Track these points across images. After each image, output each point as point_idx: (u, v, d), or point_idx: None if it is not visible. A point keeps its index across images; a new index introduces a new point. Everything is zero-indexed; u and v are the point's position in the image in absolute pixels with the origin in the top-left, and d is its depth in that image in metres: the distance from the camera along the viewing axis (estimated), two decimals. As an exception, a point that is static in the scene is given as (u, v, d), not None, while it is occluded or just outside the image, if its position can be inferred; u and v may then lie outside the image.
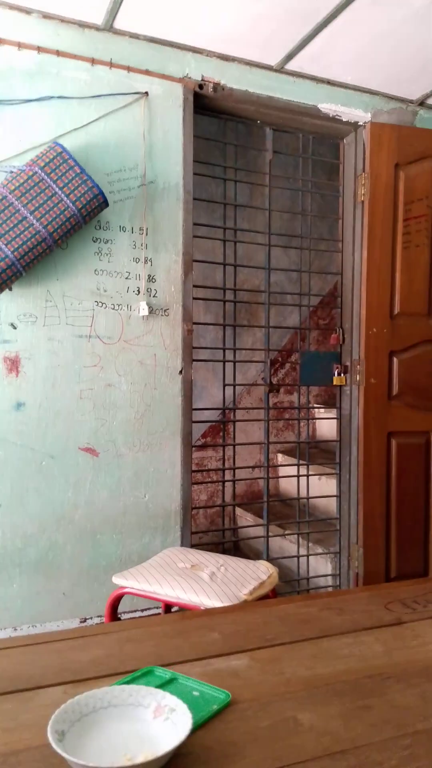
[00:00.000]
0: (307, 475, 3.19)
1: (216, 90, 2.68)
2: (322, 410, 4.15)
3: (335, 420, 3.21)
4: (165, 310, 2.60)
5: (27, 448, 2.39)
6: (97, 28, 2.45)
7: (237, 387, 3.80)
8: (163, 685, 1.09)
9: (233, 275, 3.05)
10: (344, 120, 2.96)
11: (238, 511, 3.91)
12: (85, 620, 2.48)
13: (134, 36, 2.51)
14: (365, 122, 2.97)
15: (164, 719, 0.95)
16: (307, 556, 3.14)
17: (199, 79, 2.64)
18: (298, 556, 3.13)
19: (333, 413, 3.39)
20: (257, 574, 1.99)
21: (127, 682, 1.10)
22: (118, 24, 2.43)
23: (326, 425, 4.09)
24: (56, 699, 1.05)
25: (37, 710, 1.02)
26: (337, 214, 3.15)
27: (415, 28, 2.46)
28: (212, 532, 3.61)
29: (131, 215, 2.52)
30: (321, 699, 1.05)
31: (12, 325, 2.35)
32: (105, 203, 2.32)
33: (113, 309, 2.51)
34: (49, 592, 2.43)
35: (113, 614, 1.99)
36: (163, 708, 0.97)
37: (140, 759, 0.83)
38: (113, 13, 2.35)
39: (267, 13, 2.36)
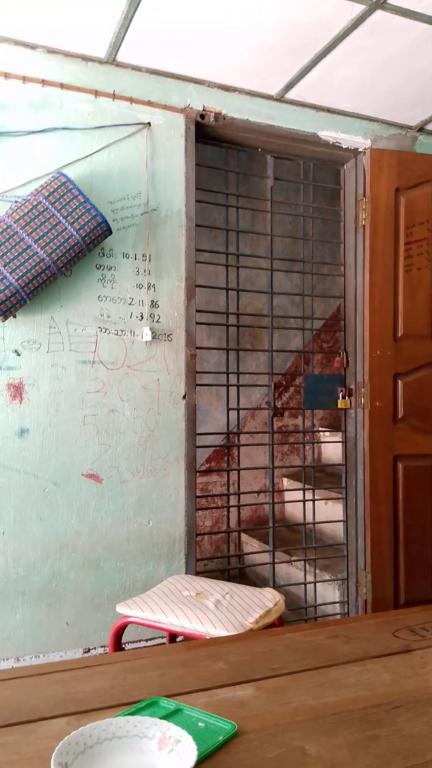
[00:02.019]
0: (313, 500, 3.17)
1: (217, 119, 2.73)
2: (327, 434, 4.13)
3: (341, 443, 3.20)
4: (168, 335, 2.61)
5: (30, 474, 2.38)
6: (100, 61, 2.50)
7: (241, 411, 3.79)
8: (168, 716, 1.07)
9: (236, 299, 3.07)
10: (344, 147, 3.00)
11: (244, 537, 3.88)
12: (88, 650, 2.45)
13: (136, 68, 2.56)
14: (365, 148, 3.01)
15: (169, 751, 0.93)
16: (315, 582, 3.10)
17: (201, 109, 2.69)
18: (305, 583, 3.09)
19: (338, 437, 3.37)
20: (263, 602, 1.96)
21: (132, 713, 1.08)
22: (121, 57, 2.48)
23: (332, 449, 4.07)
24: (60, 731, 1.03)
25: (41, 742, 1.01)
26: (339, 239, 3.18)
27: (412, 57, 2.51)
28: (218, 559, 3.57)
29: (134, 242, 2.55)
30: (328, 729, 1.03)
31: (16, 351, 2.37)
32: (108, 231, 2.35)
33: (116, 335, 2.52)
34: (53, 622, 2.40)
35: (117, 644, 1.97)
36: (167, 739, 0.95)
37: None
38: (116, 46, 2.40)
39: (266, 44, 2.41)
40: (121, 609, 1.93)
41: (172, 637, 2.24)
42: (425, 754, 0.95)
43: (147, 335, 2.54)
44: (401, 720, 1.06)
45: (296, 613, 3.12)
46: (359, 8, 2.19)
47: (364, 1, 2.15)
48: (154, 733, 0.96)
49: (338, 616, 3.07)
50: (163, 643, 2.36)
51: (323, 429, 4.20)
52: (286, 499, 4.04)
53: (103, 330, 2.50)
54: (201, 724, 1.04)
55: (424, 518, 3.00)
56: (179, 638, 2.19)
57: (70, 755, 0.90)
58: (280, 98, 2.83)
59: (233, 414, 3.50)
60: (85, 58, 2.47)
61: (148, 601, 1.95)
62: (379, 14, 2.23)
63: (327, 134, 2.96)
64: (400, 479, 2.97)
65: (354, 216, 3.06)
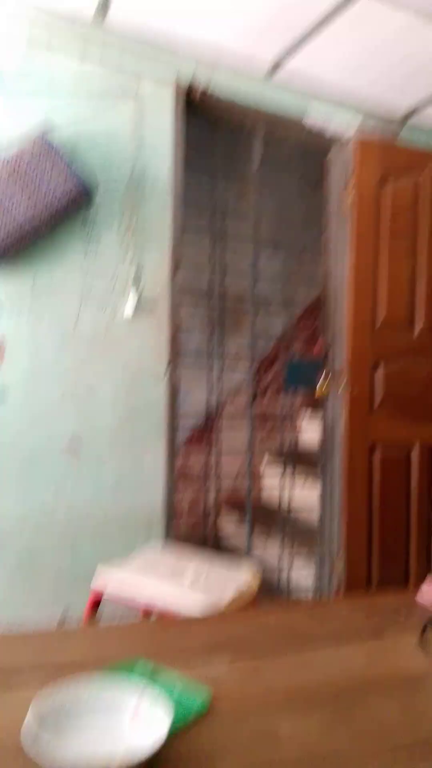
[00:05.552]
0: (291, 483, 3.18)
1: (205, 95, 2.68)
2: (308, 413, 4.14)
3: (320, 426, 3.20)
4: (151, 312, 2.56)
5: (7, 445, 2.34)
6: (88, 24, 2.42)
7: (222, 392, 3.78)
8: (145, 678, 1.07)
9: (220, 280, 3.04)
10: (330, 133, 2.96)
11: (222, 517, 3.89)
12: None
13: (125, 36, 2.48)
14: (350, 137, 2.97)
15: (141, 724, 0.92)
16: (290, 564, 3.13)
17: (189, 83, 2.63)
18: (280, 564, 3.11)
19: (318, 417, 3.38)
20: (240, 578, 1.96)
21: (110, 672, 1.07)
22: (110, 20, 2.40)
23: (311, 429, 4.08)
24: (33, 695, 1.01)
25: (12, 707, 0.98)
26: (322, 225, 3.15)
27: (398, 46, 2.48)
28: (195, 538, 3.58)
29: (118, 215, 2.49)
30: (301, 710, 1.03)
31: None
32: (90, 196, 2.30)
33: (98, 309, 2.47)
34: (28, 599, 2.38)
35: (93, 617, 1.96)
36: (141, 712, 0.94)
37: (115, 765, 0.81)
38: (105, 7, 2.32)
39: (255, 23, 2.36)
40: (96, 580, 1.93)
41: (146, 615, 2.24)
42: (395, 738, 0.96)
43: (129, 311, 2.49)
44: (373, 703, 1.06)
45: (272, 592, 3.14)
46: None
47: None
48: (128, 705, 0.95)
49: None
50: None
51: (304, 408, 4.20)
52: (265, 482, 4.05)
53: (85, 304, 2.45)
54: (176, 689, 1.04)
55: (397, 504, 3.03)
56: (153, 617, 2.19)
57: (41, 725, 0.89)
58: (268, 78, 2.78)
59: (213, 395, 3.49)
60: (74, 20, 2.38)
61: (126, 571, 1.95)
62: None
63: (313, 120, 2.92)
64: (376, 465, 2.99)
65: (338, 203, 3.03)
